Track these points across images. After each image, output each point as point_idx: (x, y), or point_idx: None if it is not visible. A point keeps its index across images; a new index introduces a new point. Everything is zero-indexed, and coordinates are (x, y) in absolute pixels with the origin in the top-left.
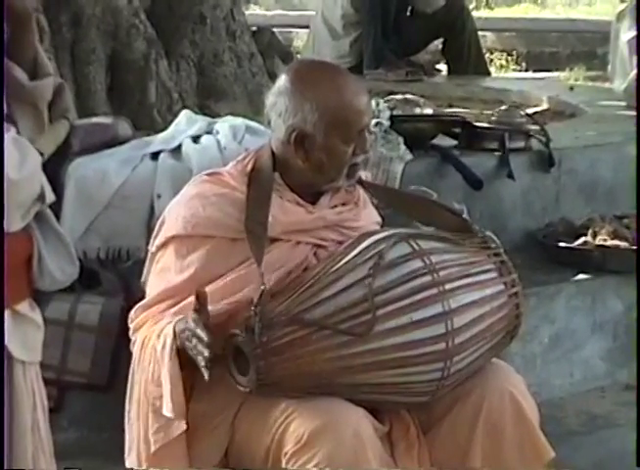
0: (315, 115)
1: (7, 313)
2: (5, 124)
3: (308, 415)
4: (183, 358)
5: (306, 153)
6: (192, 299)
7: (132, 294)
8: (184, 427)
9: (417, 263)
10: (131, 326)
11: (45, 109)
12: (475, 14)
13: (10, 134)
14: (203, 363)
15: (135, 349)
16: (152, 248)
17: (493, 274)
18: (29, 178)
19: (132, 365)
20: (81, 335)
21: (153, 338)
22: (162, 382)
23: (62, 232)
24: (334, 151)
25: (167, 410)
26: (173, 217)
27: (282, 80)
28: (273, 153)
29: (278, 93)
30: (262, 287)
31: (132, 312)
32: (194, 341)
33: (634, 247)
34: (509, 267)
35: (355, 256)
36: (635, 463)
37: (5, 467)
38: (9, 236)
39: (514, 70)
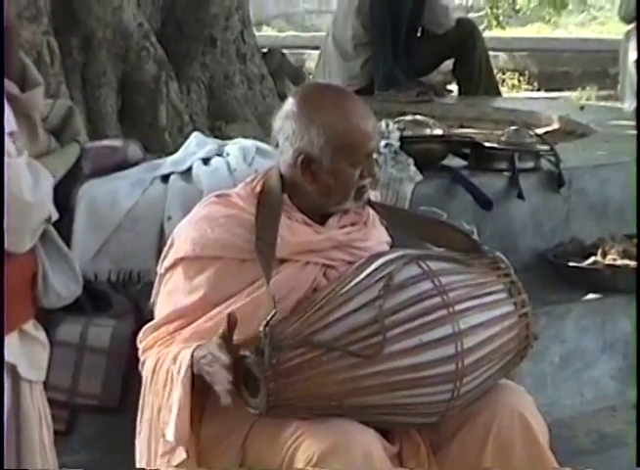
0: (322, 138)
1: (14, 334)
2: (17, 148)
3: (319, 436)
4: (196, 381)
5: (313, 176)
6: (203, 321)
7: (143, 316)
8: (184, 455)
9: (427, 285)
10: (140, 346)
11: (38, 118)
12: (486, 34)
13: (23, 158)
14: (225, 390)
15: (146, 370)
16: (160, 269)
17: (503, 295)
18: (42, 201)
19: (143, 387)
20: (92, 357)
21: (167, 361)
22: (171, 406)
23: (65, 249)
24: (341, 174)
25: (170, 436)
26: (182, 239)
27: (289, 104)
28: (281, 174)
29: (285, 117)
30: (274, 311)
31: (141, 333)
32: (216, 366)
33: None
34: (519, 288)
35: (365, 277)
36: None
37: (5, 467)
38: (16, 257)
39: (526, 89)
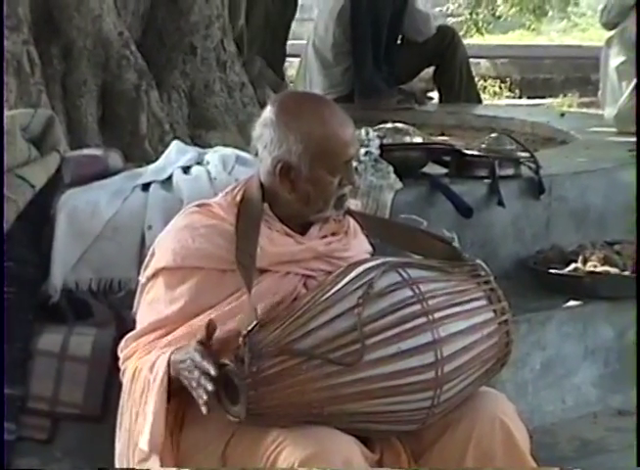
0: (300, 146)
1: None
2: None
3: (299, 444)
4: (173, 386)
5: (292, 184)
6: (183, 330)
7: (124, 325)
8: (157, 464)
9: (406, 292)
10: (121, 356)
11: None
12: (469, 41)
13: None
14: (205, 397)
15: (125, 379)
16: (142, 279)
17: (483, 302)
18: None
19: (122, 395)
20: (74, 366)
21: (145, 369)
22: (146, 414)
23: None
24: (320, 182)
25: (143, 444)
26: (163, 249)
27: (267, 112)
28: (261, 183)
29: (263, 125)
30: (255, 321)
31: (122, 342)
32: (196, 373)
33: (625, 273)
34: (499, 295)
35: (344, 285)
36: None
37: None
38: None
39: (507, 96)
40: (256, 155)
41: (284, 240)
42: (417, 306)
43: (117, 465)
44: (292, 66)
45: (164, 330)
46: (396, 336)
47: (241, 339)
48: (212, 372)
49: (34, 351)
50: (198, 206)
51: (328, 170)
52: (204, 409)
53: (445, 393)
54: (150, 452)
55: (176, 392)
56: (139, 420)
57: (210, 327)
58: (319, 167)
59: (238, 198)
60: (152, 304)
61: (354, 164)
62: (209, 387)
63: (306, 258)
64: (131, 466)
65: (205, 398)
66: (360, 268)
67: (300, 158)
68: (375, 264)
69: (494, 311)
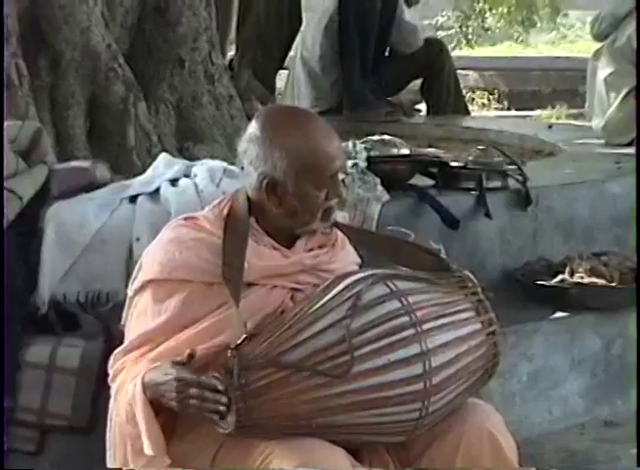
0: (285, 162)
1: None
2: None
3: (287, 456)
4: (156, 405)
5: (279, 199)
6: (170, 344)
7: (112, 336)
8: (168, 461)
9: (394, 304)
10: (110, 372)
11: None
12: (456, 53)
13: None
14: (221, 408)
15: (114, 395)
16: (130, 292)
17: (470, 313)
18: None
19: (110, 411)
20: (62, 378)
21: (127, 381)
22: (138, 422)
23: None
24: (306, 197)
25: (148, 449)
26: (149, 262)
27: (252, 127)
28: (248, 197)
29: (249, 140)
30: (245, 335)
31: (111, 359)
32: (193, 391)
33: (612, 284)
34: (486, 306)
35: (333, 297)
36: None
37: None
38: None
39: (496, 108)
40: (243, 169)
41: (271, 254)
42: (405, 318)
43: None
44: (280, 78)
45: (153, 344)
46: (385, 347)
47: (229, 351)
48: (220, 386)
49: (22, 362)
50: (184, 219)
51: (314, 185)
52: (224, 428)
53: (434, 404)
54: (157, 455)
55: (160, 409)
56: (127, 429)
57: (191, 355)
58: (305, 182)
59: (225, 211)
60: (139, 317)
61: (341, 176)
62: (223, 399)
63: (294, 271)
64: None
65: (221, 409)
66: (348, 280)
67: (286, 173)
68: (363, 276)
69: (482, 323)
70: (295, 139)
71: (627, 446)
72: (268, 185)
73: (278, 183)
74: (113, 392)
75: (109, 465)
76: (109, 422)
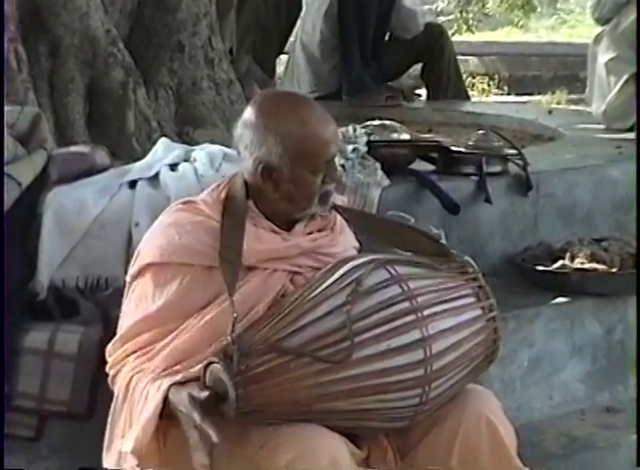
0: (279, 148)
1: None
2: None
3: (285, 443)
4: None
5: (275, 184)
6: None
7: (111, 322)
8: (135, 462)
9: (395, 290)
10: (109, 360)
11: None
12: (456, 38)
13: None
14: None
15: (118, 387)
16: (128, 278)
17: (471, 299)
18: None
19: (114, 404)
20: (61, 364)
21: (143, 383)
22: (138, 421)
23: None
24: (302, 182)
25: (127, 447)
26: (148, 246)
27: (247, 113)
28: (245, 181)
29: (244, 125)
30: (235, 315)
31: (110, 346)
32: (194, 433)
33: (613, 270)
34: (487, 292)
35: (333, 282)
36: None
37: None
38: None
39: (496, 93)
40: (239, 154)
41: (270, 237)
42: (406, 304)
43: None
44: (280, 63)
45: (153, 333)
46: (385, 333)
47: (229, 337)
48: (214, 439)
49: (21, 348)
50: (183, 203)
51: (309, 170)
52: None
53: (434, 390)
54: (132, 455)
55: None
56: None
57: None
58: (300, 168)
59: (223, 195)
60: (138, 301)
61: (342, 161)
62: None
63: (293, 254)
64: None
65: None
66: (348, 265)
67: (281, 159)
68: (363, 262)
69: (482, 308)
70: (290, 125)
71: (628, 432)
72: (264, 170)
73: (273, 168)
74: (113, 381)
75: (106, 461)
76: (111, 415)
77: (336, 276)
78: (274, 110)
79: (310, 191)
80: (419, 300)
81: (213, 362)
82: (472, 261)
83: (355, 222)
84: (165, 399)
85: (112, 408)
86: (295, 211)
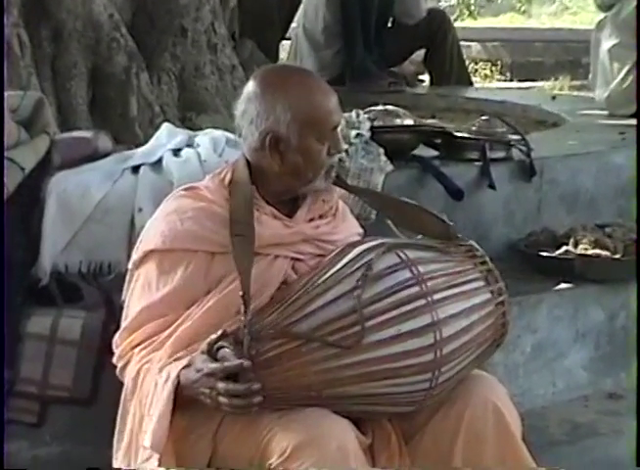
0: (288, 115)
1: None
2: None
3: (293, 428)
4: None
5: (282, 156)
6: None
7: (114, 308)
8: (156, 464)
9: (405, 274)
10: (117, 351)
11: None
12: (459, 24)
13: None
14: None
15: (127, 379)
16: (130, 265)
17: (480, 283)
18: None
19: (124, 396)
20: (63, 349)
21: (153, 372)
22: (149, 414)
23: None
24: (309, 151)
25: (147, 442)
26: (151, 233)
27: (250, 87)
28: (249, 164)
29: (247, 100)
30: (245, 300)
31: (117, 337)
32: (220, 386)
33: (616, 256)
34: (496, 276)
35: (342, 267)
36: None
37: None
38: None
39: (498, 79)
40: (240, 136)
41: (273, 223)
42: (416, 288)
43: (121, 465)
44: (283, 48)
45: (160, 319)
46: (396, 318)
47: (241, 322)
48: (246, 364)
49: (24, 334)
50: (185, 189)
51: (316, 137)
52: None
53: (444, 374)
54: (152, 450)
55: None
56: (143, 423)
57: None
58: (308, 135)
59: (226, 180)
60: (143, 289)
61: (345, 146)
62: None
63: (295, 240)
64: (133, 467)
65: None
66: (358, 249)
67: (289, 127)
68: (373, 245)
69: (491, 292)
70: (296, 93)
71: (631, 419)
72: (271, 141)
73: (281, 139)
74: (122, 373)
75: (121, 453)
76: (121, 409)
77: (345, 260)
78: (279, 80)
79: (317, 161)
80: (429, 284)
81: (223, 347)
82: (477, 246)
83: (367, 201)
84: (176, 389)
85: (121, 400)
86: (299, 185)
